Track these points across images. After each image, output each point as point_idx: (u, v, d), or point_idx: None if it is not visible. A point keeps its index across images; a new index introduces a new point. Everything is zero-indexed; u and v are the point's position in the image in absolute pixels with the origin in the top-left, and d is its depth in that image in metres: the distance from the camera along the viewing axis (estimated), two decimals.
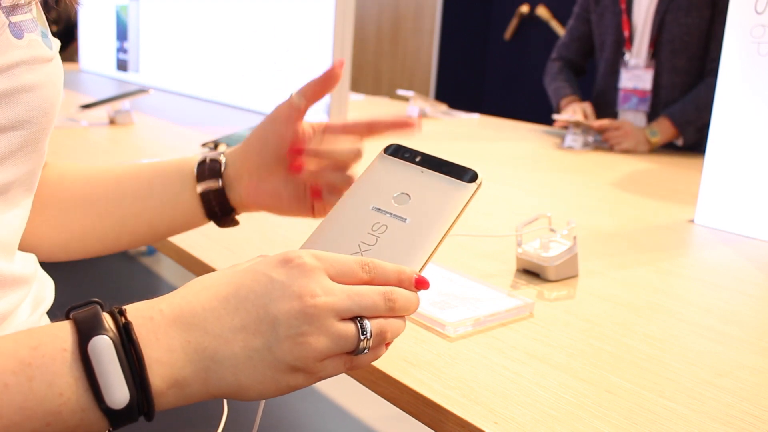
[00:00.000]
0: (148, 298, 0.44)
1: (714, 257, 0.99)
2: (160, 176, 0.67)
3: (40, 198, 0.64)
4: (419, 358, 0.61)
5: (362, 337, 0.45)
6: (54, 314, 0.53)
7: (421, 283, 0.49)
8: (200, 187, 0.66)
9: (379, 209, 0.53)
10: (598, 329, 0.69)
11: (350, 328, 0.45)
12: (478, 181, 0.54)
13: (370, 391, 0.60)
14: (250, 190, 0.66)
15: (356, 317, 0.45)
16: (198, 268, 0.83)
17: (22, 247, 0.62)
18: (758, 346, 0.68)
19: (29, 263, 0.54)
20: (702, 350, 0.66)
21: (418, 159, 0.56)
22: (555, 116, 2.01)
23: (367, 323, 0.45)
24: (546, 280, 0.82)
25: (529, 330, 0.68)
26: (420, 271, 0.50)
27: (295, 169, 0.65)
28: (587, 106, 2.03)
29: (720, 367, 0.63)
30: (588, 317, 0.72)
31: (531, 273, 0.84)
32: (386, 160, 0.57)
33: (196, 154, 0.69)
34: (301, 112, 0.65)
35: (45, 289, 0.56)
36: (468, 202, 0.53)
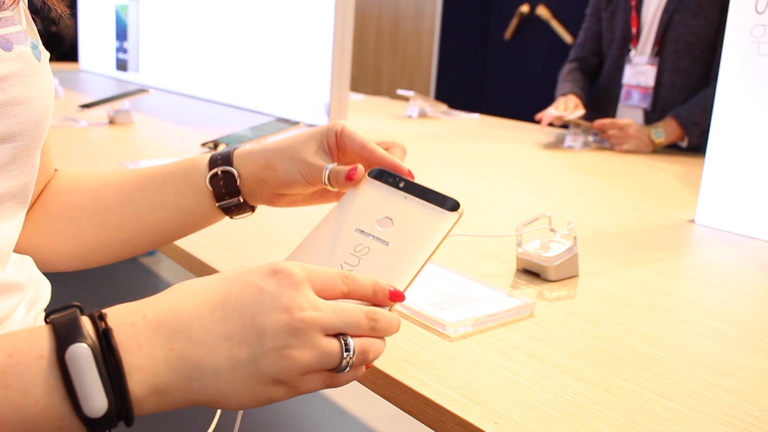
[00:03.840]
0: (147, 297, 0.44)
1: (714, 257, 0.99)
2: (171, 188, 0.64)
3: (50, 209, 0.63)
4: (419, 358, 0.61)
5: (345, 355, 0.45)
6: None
7: (395, 296, 0.49)
8: (220, 205, 0.64)
9: (363, 231, 0.55)
10: (598, 329, 0.69)
11: (334, 344, 0.45)
12: (459, 211, 0.55)
13: (370, 391, 0.60)
14: (269, 200, 0.65)
15: (340, 334, 0.45)
16: (198, 268, 0.83)
17: (41, 263, 0.62)
18: (758, 346, 0.68)
19: (24, 268, 0.54)
20: (702, 350, 0.66)
21: (401, 185, 0.58)
22: (538, 116, 2.02)
23: (351, 341, 0.46)
24: (546, 280, 0.81)
25: (530, 330, 0.68)
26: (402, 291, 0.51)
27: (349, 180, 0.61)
28: (570, 99, 2.03)
29: (720, 367, 0.62)
30: (588, 317, 0.72)
31: (531, 273, 0.83)
32: (370, 183, 0.58)
33: (200, 157, 0.66)
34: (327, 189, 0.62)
35: (40, 290, 0.56)
36: (449, 230, 0.54)
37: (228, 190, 0.63)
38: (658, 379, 0.59)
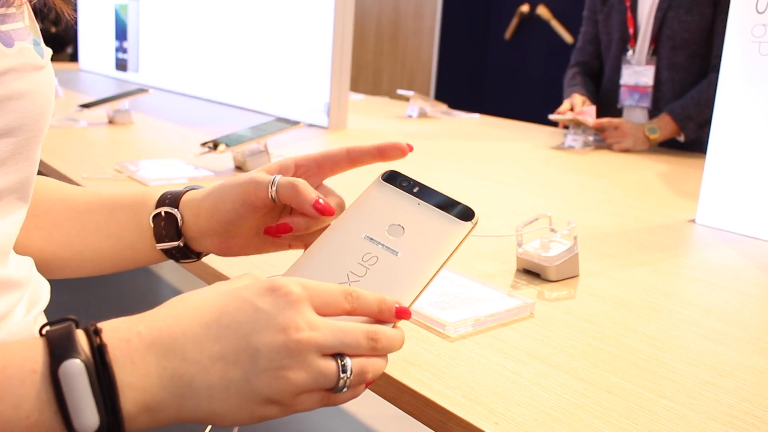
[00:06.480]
0: (147, 298, 0.44)
1: (715, 257, 0.98)
2: (118, 218, 0.63)
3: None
4: (419, 358, 0.61)
5: (342, 376, 0.44)
6: (50, 315, 0.53)
7: (402, 314, 0.48)
8: (160, 247, 0.62)
9: (372, 239, 0.53)
10: (599, 329, 0.69)
11: (331, 365, 0.44)
12: (473, 220, 0.53)
13: (370, 391, 0.60)
14: (217, 247, 0.62)
15: (338, 354, 0.45)
16: (197, 268, 0.83)
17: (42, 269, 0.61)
18: (759, 346, 0.67)
19: (24, 266, 0.54)
20: (702, 350, 0.66)
21: (415, 190, 0.55)
22: (551, 116, 2.03)
23: (348, 361, 0.45)
24: (546, 280, 0.81)
25: (530, 330, 0.68)
26: (408, 307, 0.49)
27: (275, 236, 0.60)
28: (575, 98, 2.05)
29: (720, 367, 0.62)
30: (588, 317, 0.72)
31: (531, 273, 0.83)
32: (383, 186, 0.56)
33: (153, 192, 0.63)
34: (276, 207, 0.59)
35: (40, 289, 0.56)
36: (462, 241, 0.53)
37: (168, 232, 0.61)
38: (658, 379, 0.59)
